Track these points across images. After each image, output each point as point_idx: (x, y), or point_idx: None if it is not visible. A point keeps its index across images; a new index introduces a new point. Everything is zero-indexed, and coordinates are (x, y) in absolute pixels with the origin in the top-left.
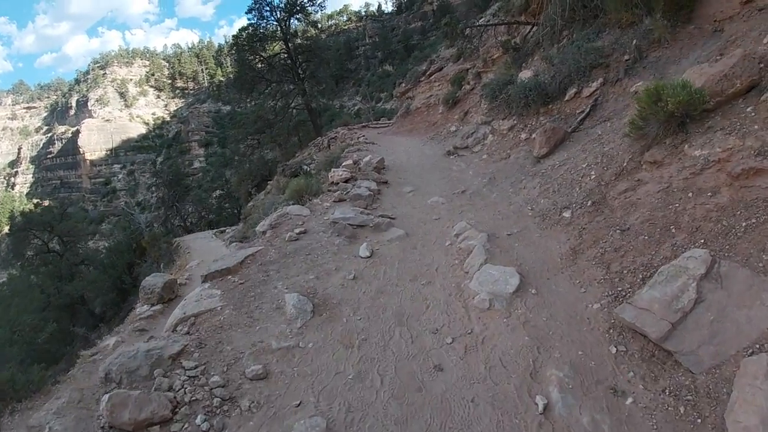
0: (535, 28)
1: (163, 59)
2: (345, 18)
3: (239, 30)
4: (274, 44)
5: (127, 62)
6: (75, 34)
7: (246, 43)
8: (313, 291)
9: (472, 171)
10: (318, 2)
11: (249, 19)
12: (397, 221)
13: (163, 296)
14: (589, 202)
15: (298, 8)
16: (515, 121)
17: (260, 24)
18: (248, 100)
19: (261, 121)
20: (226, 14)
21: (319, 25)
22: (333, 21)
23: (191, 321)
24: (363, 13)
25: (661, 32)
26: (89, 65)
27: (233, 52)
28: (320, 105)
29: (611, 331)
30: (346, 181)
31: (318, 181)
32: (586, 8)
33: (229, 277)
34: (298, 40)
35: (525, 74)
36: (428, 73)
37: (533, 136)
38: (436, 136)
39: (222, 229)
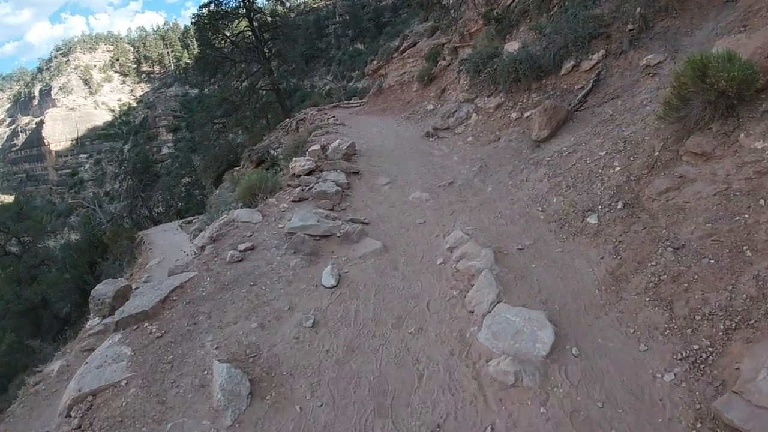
0: None
1: (128, 43)
2: None
3: (200, 7)
4: (239, 22)
5: (90, 48)
6: (37, 21)
7: (207, 21)
8: (255, 352)
9: (457, 156)
10: None
11: None
12: (372, 227)
13: (116, 306)
14: (620, 204)
15: None
16: (503, 99)
17: (222, 0)
18: (212, 81)
19: (226, 103)
20: None
21: (288, 3)
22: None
23: (87, 403)
24: None
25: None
26: (52, 53)
27: (194, 31)
28: (290, 85)
29: (700, 425)
30: (310, 172)
31: (276, 175)
32: None
33: (146, 324)
34: (264, 17)
35: (512, 46)
36: (401, 49)
37: (526, 115)
38: (411, 115)
39: (189, 219)
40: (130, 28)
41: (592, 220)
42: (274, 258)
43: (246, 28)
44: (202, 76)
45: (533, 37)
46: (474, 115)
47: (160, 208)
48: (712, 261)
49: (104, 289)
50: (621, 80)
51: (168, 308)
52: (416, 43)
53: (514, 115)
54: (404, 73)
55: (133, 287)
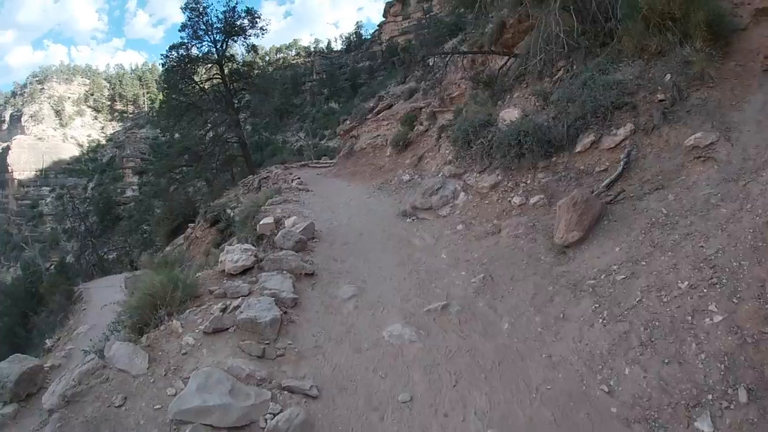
0: (511, 60)
1: (105, 79)
2: (294, 52)
3: (170, 47)
4: (209, 68)
5: (66, 79)
6: (19, 44)
7: (176, 64)
8: None
9: (446, 252)
10: (259, 26)
11: (182, 38)
12: (322, 406)
13: (19, 393)
14: (741, 392)
15: (237, 30)
16: (500, 177)
17: (193, 44)
18: (176, 128)
19: (188, 153)
20: (176, 38)
21: (267, 57)
22: (281, 54)
23: None
24: (312, 49)
25: (704, 66)
26: (27, 78)
27: (161, 75)
28: (262, 138)
29: None
30: (245, 271)
31: (195, 275)
32: (592, 33)
33: None
34: (235, 65)
35: (509, 114)
36: (376, 110)
37: (533, 200)
38: (384, 185)
39: (138, 273)
40: (108, 64)
41: (703, 426)
42: None
43: (216, 75)
44: (167, 121)
45: (535, 105)
46: (462, 194)
47: (113, 255)
48: None
49: (7, 369)
50: (659, 163)
51: None
52: (392, 105)
53: (516, 199)
54: (378, 136)
55: (47, 366)
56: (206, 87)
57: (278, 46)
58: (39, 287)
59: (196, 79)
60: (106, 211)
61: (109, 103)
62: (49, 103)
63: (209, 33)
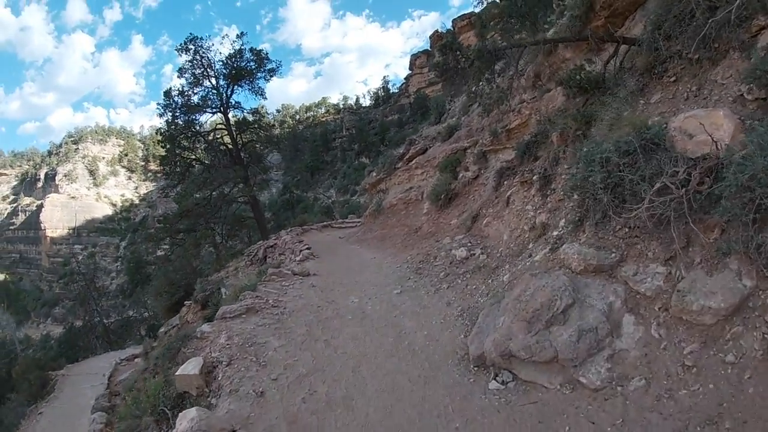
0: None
1: (139, 140)
2: (323, 110)
3: (164, 92)
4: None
5: (101, 139)
6: (60, 107)
7: (175, 112)
8: None
9: None
10: (268, 68)
11: (182, 85)
12: None
13: None
14: None
15: (244, 74)
16: (749, 282)
17: (195, 91)
18: (177, 187)
19: (191, 215)
20: None
21: (296, 116)
22: (311, 113)
23: None
24: (341, 106)
25: None
26: (63, 138)
27: (158, 132)
28: (293, 196)
29: None
30: None
31: None
32: None
33: None
34: (242, 115)
35: (691, 122)
36: (407, 157)
37: None
38: (424, 263)
39: (132, 355)
40: (142, 125)
41: None
42: None
43: (220, 125)
44: (168, 178)
45: (753, 101)
46: (631, 320)
47: (116, 326)
48: None
49: None
50: None
51: None
52: (426, 150)
53: None
54: (410, 188)
55: None
56: (210, 139)
57: (308, 104)
58: (13, 371)
59: (198, 129)
60: (136, 271)
61: (143, 163)
62: (83, 162)
63: (210, 77)
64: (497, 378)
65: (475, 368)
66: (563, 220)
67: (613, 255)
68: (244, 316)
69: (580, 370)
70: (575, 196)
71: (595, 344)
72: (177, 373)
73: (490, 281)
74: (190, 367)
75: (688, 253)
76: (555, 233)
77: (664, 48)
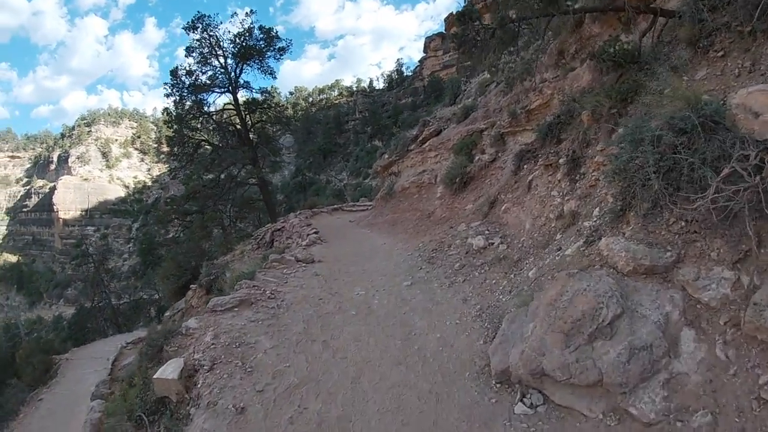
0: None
1: (152, 122)
2: (336, 92)
3: (171, 72)
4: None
5: (114, 122)
6: (74, 89)
7: (182, 92)
8: None
9: None
10: (278, 47)
11: (189, 65)
12: None
13: None
14: None
15: (253, 52)
16: None
17: (203, 70)
18: (185, 169)
19: (199, 197)
20: None
21: (309, 98)
22: (324, 95)
23: None
24: (354, 89)
25: None
26: (76, 121)
27: (165, 113)
28: (306, 179)
29: None
30: None
31: None
32: None
33: None
34: (252, 95)
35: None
36: (420, 138)
37: None
38: (438, 251)
39: (138, 338)
40: (155, 107)
41: None
42: None
43: (229, 105)
44: (176, 160)
45: None
46: (693, 343)
47: (126, 308)
48: None
49: None
50: None
51: None
52: (441, 131)
53: None
54: (424, 171)
55: None
56: (219, 119)
57: (321, 87)
58: (17, 355)
59: (207, 110)
60: (147, 252)
61: (155, 145)
62: (96, 145)
63: (218, 55)
64: (524, 399)
65: (498, 385)
66: (597, 209)
67: (669, 254)
68: (236, 309)
69: (629, 397)
70: (617, 182)
71: (650, 366)
72: (155, 377)
73: (512, 276)
74: (170, 371)
75: (761, 256)
76: (588, 224)
77: (710, 20)
